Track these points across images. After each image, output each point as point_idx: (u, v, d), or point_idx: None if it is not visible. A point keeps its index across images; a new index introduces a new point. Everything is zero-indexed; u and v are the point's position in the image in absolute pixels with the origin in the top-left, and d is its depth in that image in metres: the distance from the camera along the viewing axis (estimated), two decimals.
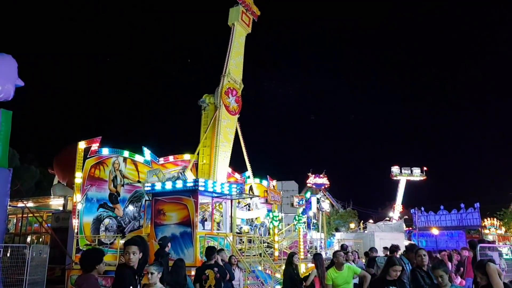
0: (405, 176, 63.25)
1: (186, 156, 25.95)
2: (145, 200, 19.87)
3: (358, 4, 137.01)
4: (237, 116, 24.12)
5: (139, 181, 22.93)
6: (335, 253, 9.04)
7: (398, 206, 61.42)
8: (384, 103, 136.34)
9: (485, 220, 46.76)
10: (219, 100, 22.81)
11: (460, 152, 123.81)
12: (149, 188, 18.90)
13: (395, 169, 63.59)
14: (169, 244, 9.05)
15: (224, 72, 22.88)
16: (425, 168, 63.77)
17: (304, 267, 20.39)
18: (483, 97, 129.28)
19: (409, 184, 63.41)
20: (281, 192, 33.81)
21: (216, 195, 18.65)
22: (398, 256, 10.73)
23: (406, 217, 53.94)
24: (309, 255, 26.65)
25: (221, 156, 23.26)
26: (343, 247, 13.66)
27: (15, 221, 24.03)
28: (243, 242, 21.26)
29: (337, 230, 51.27)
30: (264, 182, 32.15)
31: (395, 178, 63.49)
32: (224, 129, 23.11)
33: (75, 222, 19.37)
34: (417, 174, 63.69)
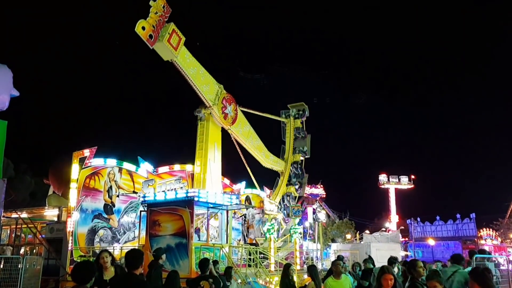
0: (392, 185, 62.76)
1: (182, 166, 25.94)
2: (140, 211, 19.76)
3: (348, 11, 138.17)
4: (237, 108, 24.72)
5: (134, 192, 22.84)
6: (334, 262, 9.10)
7: (394, 216, 61.13)
8: (378, 114, 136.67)
9: (481, 230, 46.74)
10: (228, 127, 24.32)
11: (456, 162, 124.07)
12: (146, 198, 18.77)
13: (382, 177, 63.03)
14: (163, 256, 8.95)
15: (208, 104, 22.94)
16: (412, 177, 63.48)
17: (299, 279, 20.25)
18: (478, 102, 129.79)
19: (403, 194, 63.14)
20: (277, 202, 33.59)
21: (211, 205, 18.56)
22: (395, 267, 10.65)
23: (402, 227, 53.82)
24: (305, 266, 26.50)
25: (260, 155, 27.36)
26: (339, 258, 13.58)
27: (8, 232, 23.81)
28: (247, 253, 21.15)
29: (333, 241, 51.08)
30: (260, 193, 32.07)
31: (382, 186, 63.01)
32: (243, 136, 25.90)
33: (69, 233, 19.23)
34: (404, 183, 63.17)
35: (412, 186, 63.37)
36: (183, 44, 20.46)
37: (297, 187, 31.33)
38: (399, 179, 63.41)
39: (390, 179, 63.24)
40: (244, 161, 26.35)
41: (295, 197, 31.53)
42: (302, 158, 32.20)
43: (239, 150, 25.92)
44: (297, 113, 32.60)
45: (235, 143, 25.63)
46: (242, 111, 26.21)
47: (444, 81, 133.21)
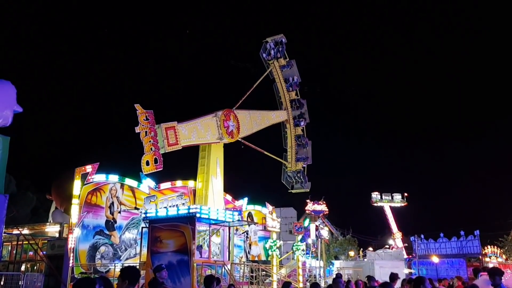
0: (385, 202, 61.69)
1: (184, 182, 25.92)
2: (142, 227, 19.67)
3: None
4: (235, 113, 25.07)
5: (136, 208, 22.79)
6: (335, 280, 8.98)
7: (397, 233, 60.40)
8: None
9: (486, 248, 46.22)
10: (237, 139, 24.88)
11: (460, 178, 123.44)
12: (148, 215, 18.69)
13: (375, 195, 61.84)
14: (163, 273, 8.77)
15: (217, 143, 23.63)
16: (405, 194, 62.32)
17: None
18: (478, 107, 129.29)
19: (398, 211, 62.22)
20: (280, 219, 33.44)
21: (213, 222, 18.47)
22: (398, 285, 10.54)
23: (406, 244, 53.32)
24: (308, 284, 26.22)
25: (265, 124, 27.71)
26: (338, 276, 13.43)
27: (10, 248, 23.71)
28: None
29: (336, 258, 50.62)
30: (263, 209, 31.97)
31: (375, 204, 61.93)
32: (249, 130, 26.51)
33: (70, 250, 19.13)
34: (398, 200, 61.87)
35: (405, 203, 62.38)
36: (177, 123, 21.02)
37: (302, 123, 31.25)
38: (392, 197, 62.35)
39: (383, 197, 62.25)
40: (261, 150, 27.83)
41: (304, 169, 31.35)
42: (295, 90, 31.59)
43: (252, 146, 26.73)
44: (276, 49, 30.76)
45: (246, 143, 26.39)
46: (237, 108, 26.23)
47: (440, 95, 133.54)
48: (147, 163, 18.84)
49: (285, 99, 31.46)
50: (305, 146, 31.46)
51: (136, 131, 19.07)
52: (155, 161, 19.13)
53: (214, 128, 23.41)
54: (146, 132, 19.25)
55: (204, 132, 22.85)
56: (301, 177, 31.01)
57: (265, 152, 28.63)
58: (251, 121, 26.77)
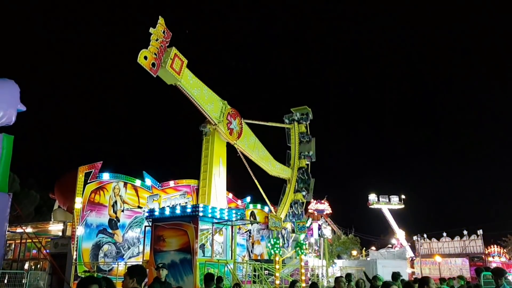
0: (383, 205, 61.17)
1: (187, 181, 25.94)
2: (145, 226, 19.70)
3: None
4: (242, 121, 24.82)
5: (139, 207, 22.83)
6: (337, 279, 8.94)
7: (400, 233, 60.17)
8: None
9: (489, 247, 46.15)
10: (233, 142, 24.60)
11: (464, 177, 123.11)
12: (150, 213, 18.72)
13: (372, 197, 61.46)
14: (163, 271, 8.58)
15: (214, 123, 23.15)
16: (403, 197, 61.87)
17: None
18: (481, 105, 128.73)
19: (407, 210, 61.86)
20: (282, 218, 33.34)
21: (216, 221, 18.48)
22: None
23: (409, 244, 53.27)
24: (310, 282, 26.21)
25: (266, 164, 27.25)
26: (347, 276, 13.39)
27: (13, 246, 23.79)
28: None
29: (339, 257, 50.58)
30: (265, 208, 31.97)
31: (371, 206, 61.46)
32: (249, 149, 26.28)
33: (73, 248, 19.18)
34: (395, 203, 61.51)
35: (403, 206, 61.95)
36: (186, 66, 20.64)
37: (304, 193, 31.37)
38: (389, 199, 62.01)
39: (380, 199, 61.91)
40: (252, 175, 26.73)
41: (303, 203, 31.37)
42: (307, 162, 32.21)
43: (246, 164, 26.22)
44: (300, 117, 32.69)
45: (241, 156, 25.93)
46: (247, 123, 26.29)
47: (440, 90, 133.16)
48: (145, 58, 18.42)
49: (294, 164, 31.89)
50: (299, 217, 31.35)
51: (150, 31, 18.60)
52: (153, 65, 18.70)
53: (217, 107, 23.29)
54: (157, 39, 18.93)
55: (207, 100, 22.56)
56: (285, 239, 30.20)
57: (257, 183, 27.83)
58: (255, 146, 26.79)
